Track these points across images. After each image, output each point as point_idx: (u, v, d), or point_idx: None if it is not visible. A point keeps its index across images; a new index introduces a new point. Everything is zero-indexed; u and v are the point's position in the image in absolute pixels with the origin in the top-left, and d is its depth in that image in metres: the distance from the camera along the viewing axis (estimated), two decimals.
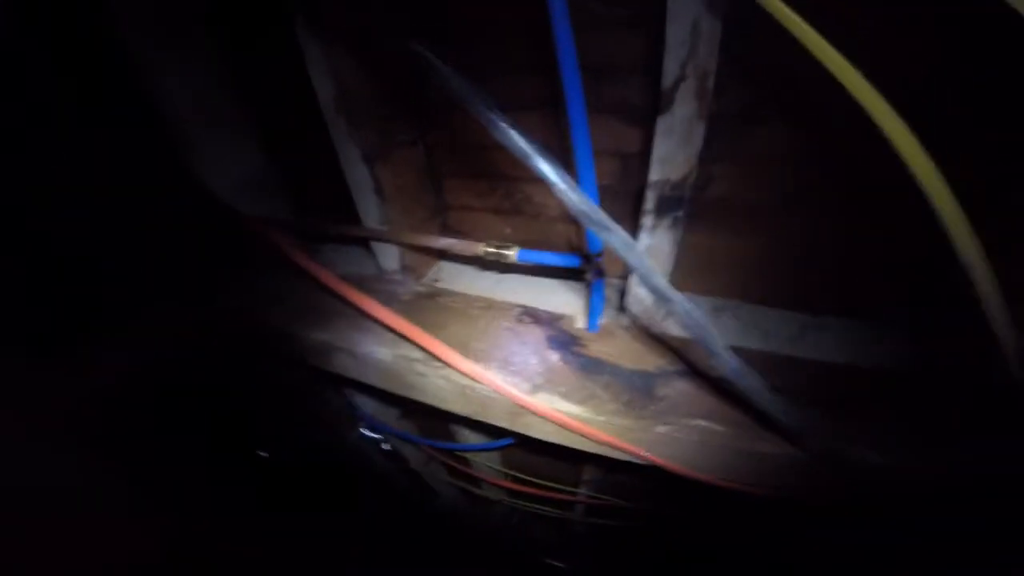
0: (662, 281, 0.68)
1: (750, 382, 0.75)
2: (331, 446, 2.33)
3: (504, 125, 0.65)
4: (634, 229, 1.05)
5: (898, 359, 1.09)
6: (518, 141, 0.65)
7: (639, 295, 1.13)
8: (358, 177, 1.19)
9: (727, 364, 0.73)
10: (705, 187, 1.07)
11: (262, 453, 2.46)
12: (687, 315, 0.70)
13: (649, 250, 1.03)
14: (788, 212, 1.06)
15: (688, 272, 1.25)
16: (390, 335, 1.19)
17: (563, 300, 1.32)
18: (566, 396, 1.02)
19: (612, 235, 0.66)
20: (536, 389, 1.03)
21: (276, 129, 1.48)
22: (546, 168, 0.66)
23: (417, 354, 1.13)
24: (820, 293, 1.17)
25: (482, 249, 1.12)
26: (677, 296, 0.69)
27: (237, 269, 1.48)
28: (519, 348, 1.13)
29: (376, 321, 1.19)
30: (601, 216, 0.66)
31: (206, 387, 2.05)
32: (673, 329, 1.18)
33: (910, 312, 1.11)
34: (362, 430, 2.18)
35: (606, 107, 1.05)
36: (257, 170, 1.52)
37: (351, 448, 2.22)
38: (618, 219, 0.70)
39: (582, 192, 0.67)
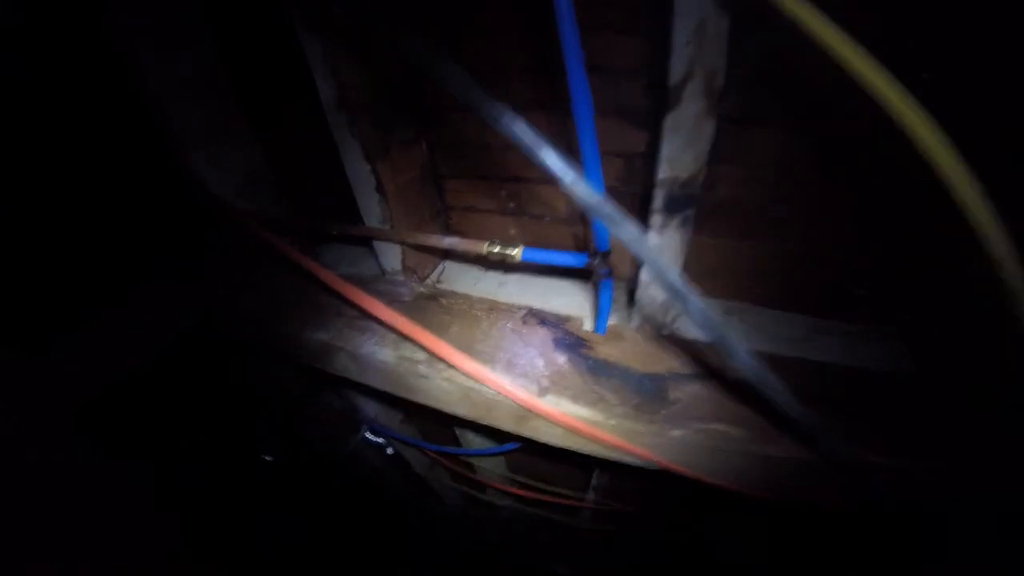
0: (676, 277, 0.65)
1: (772, 384, 0.72)
2: (334, 450, 2.30)
3: (509, 117, 0.62)
4: (642, 231, 1.02)
5: (905, 362, 1.06)
6: (524, 133, 0.63)
7: (650, 295, 1.10)
8: (359, 175, 1.17)
9: (747, 366, 0.70)
10: (712, 187, 1.04)
11: (266, 457, 2.44)
12: (702, 315, 0.66)
13: (657, 250, 1.00)
14: (795, 214, 1.03)
15: (694, 273, 1.22)
16: (392, 336, 1.16)
17: (569, 301, 1.29)
18: (574, 399, 0.99)
19: (622, 229, 0.63)
20: (543, 392, 1.00)
21: (277, 128, 1.47)
22: (554, 160, 0.63)
23: (420, 355, 1.10)
24: (827, 296, 1.14)
25: (486, 248, 1.10)
26: (692, 294, 0.66)
27: (237, 269, 1.46)
28: (524, 350, 1.10)
29: (378, 321, 1.17)
30: (611, 209, 0.63)
31: (207, 389, 2.03)
32: (685, 330, 1.15)
33: (918, 315, 1.08)
34: (365, 434, 2.16)
35: (611, 107, 1.02)
36: (257, 169, 1.50)
37: (354, 452, 2.20)
38: None
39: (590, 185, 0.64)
